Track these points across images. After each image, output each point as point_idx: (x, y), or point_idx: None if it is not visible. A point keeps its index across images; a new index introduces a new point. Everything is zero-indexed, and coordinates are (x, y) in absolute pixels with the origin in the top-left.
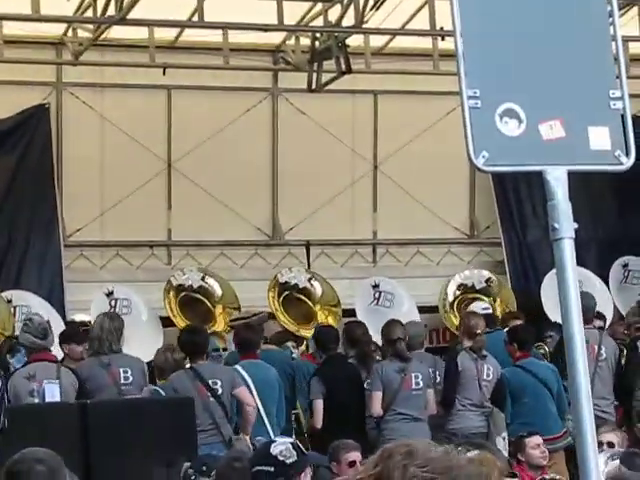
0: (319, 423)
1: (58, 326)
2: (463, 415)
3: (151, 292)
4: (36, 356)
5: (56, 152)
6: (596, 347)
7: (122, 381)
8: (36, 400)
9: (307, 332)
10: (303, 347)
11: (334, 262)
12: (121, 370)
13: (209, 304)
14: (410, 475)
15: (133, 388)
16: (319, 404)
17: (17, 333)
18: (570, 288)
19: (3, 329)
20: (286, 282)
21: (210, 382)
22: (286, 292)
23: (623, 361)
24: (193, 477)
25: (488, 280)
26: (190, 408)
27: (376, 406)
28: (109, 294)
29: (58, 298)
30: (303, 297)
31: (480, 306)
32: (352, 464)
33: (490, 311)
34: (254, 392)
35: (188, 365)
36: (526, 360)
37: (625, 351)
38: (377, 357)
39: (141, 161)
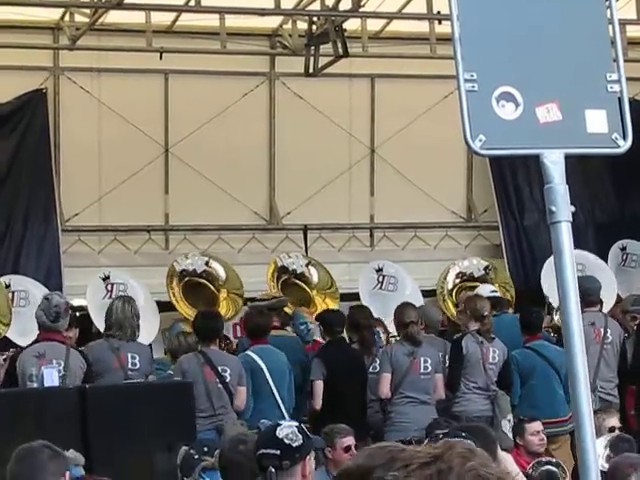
0: (318, 405)
1: None
2: (469, 398)
3: (149, 277)
4: (46, 335)
5: (53, 137)
6: (602, 330)
7: (129, 366)
8: (35, 385)
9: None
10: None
11: (332, 246)
12: (129, 355)
13: (213, 289)
14: (469, 467)
15: (139, 374)
16: (319, 385)
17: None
18: (567, 271)
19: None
20: (284, 267)
21: (220, 369)
22: (285, 276)
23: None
24: (196, 456)
25: (486, 268)
26: (189, 392)
27: (384, 388)
28: (105, 278)
29: (56, 283)
30: (300, 282)
31: (488, 289)
32: (347, 449)
33: (498, 294)
34: (268, 378)
35: (198, 349)
36: (536, 342)
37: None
38: (382, 340)
39: (138, 146)
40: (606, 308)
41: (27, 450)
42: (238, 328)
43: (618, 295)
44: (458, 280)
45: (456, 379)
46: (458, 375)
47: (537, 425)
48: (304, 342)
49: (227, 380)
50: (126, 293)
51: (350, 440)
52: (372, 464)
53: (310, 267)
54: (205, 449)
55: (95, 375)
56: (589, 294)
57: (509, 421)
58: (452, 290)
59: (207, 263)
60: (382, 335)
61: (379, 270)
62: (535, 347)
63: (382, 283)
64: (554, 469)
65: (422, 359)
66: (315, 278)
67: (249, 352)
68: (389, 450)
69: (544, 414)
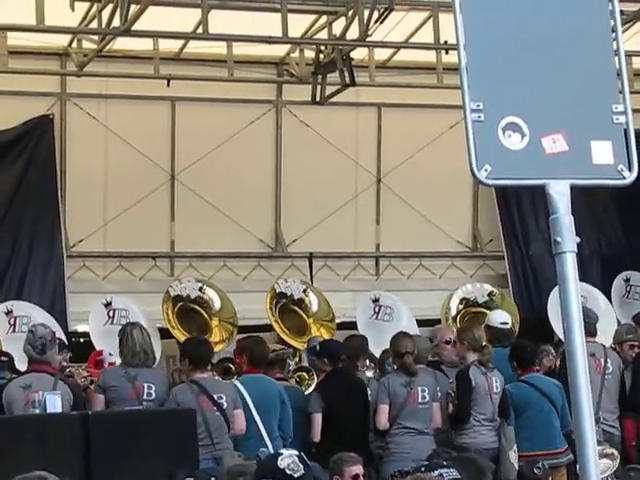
0: (317, 437)
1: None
2: (477, 430)
3: (153, 304)
4: (35, 366)
5: (59, 163)
6: (602, 360)
7: (145, 397)
8: (37, 410)
9: (299, 344)
10: (297, 359)
11: (337, 274)
12: (145, 385)
13: (206, 315)
14: None
15: (154, 405)
16: (317, 417)
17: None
18: (572, 302)
19: None
20: (282, 292)
21: (215, 397)
22: (283, 300)
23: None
24: None
25: (490, 294)
26: (192, 420)
27: (382, 419)
28: (107, 304)
29: (60, 309)
30: (297, 309)
31: (498, 320)
32: (355, 477)
33: (509, 326)
34: (252, 408)
35: (190, 379)
36: (530, 375)
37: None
38: (368, 371)
39: (144, 172)
40: (607, 342)
41: None
42: None
43: None
44: (462, 306)
45: (467, 411)
46: (469, 407)
47: None
48: (316, 369)
49: (224, 407)
50: (128, 319)
51: (358, 469)
52: None
53: (309, 294)
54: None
55: (107, 403)
56: (589, 324)
57: (515, 452)
58: (456, 316)
59: (201, 289)
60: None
61: (376, 300)
62: (529, 380)
63: (378, 313)
64: None
65: (419, 389)
66: (315, 306)
67: (236, 381)
68: None
69: (540, 446)
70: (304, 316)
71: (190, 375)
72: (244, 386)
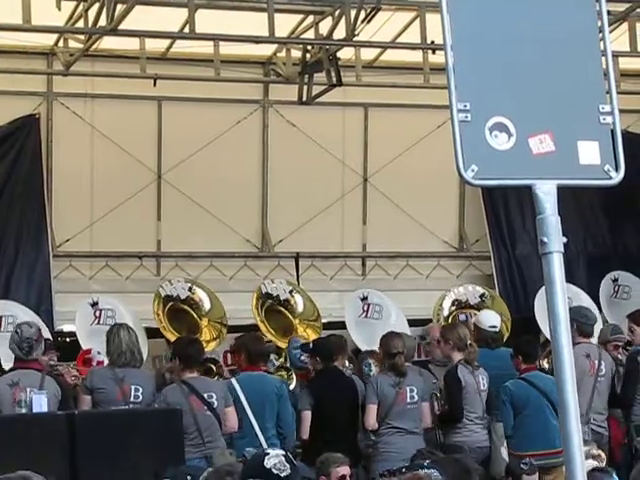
0: (305, 434)
1: (45, 337)
2: (471, 429)
3: (140, 303)
4: (22, 364)
5: (46, 162)
6: (596, 362)
7: (132, 399)
8: (23, 410)
9: (285, 344)
10: (282, 359)
11: (323, 274)
12: (133, 388)
13: (195, 316)
14: None
15: (141, 407)
16: (306, 415)
17: None
18: (559, 302)
19: None
20: (268, 293)
21: (205, 395)
22: (269, 301)
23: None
24: None
25: (482, 295)
26: (178, 419)
27: (370, 419)
28: (94, 304)
29: (47, 308)
30: (283, 309)
31: (487, 323)
32: (342, 478)
33: (497, 329)
34: (246, 407)
35: (180, 379)
36: (531, 373)
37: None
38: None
39: (131, 172)
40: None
41: None
42: (229, 356)
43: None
44: (454, 308)
45: (460, 409)
46: (461, 405)
47: None
48: (295, 368)
49: (215, 406)
50: (115, 319)
51: (345, 470)
52: None
53: (295, 294)
54: (188, 477)
55: (94, 404)
56: (585, 326)
57: (505, 448)
58: (448, 317)
59: (190, 289)
60: (374, 367)
61: (364, 299)
62: (529, 378)
63: (367, 311)
64: None
65: (408, 389)
66: (300, 307)
67: (232, 380)
68: None
69: (538, 445)
70: (290, 317)
71: (180, 375)
72: (240, 385)
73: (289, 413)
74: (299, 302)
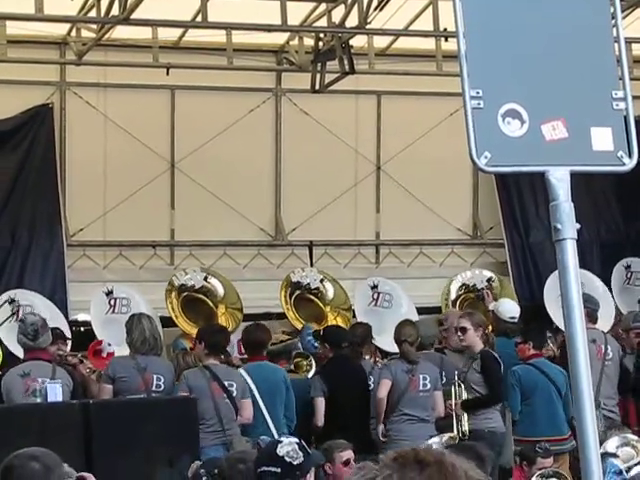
0: (320, 421)
1: (61, 326)
2: (496, 414)
3: (154, 292)
4: (31, 355)
5: (59, 152)
6: (603, 347)
7: (154, 388)
8: (38, 400)
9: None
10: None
11: (337, 263)
12: (155, 377)
13: (212, 304)
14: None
15: (162, 396)
16: (320, 402)
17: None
18: (572, 289)
19: None
20: (298, 282)
21: (226, 383)
22: (297, 292)
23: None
24: (205, 478)
25: (489, 280)
26: (193, 408)
27: (382, 390)
28: (108, 293)
29: (61, 298)
30: (314, 298)
31: (507, 314)
32: (347, 462)
33: (516, 321)
34: (257, 396)
35: (203, 364)
36: (538, 359)
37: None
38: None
39: (144, 161)
40: (606, 328)
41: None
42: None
43: (621, 313)
44: (461, 292)
45: (502, 392)
46: (502, 388)
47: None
48: (311, 353)
49: (234, 395)
50: (130, 307)
51: (349, 454)
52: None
53: (325, 282)
54: (215, 470)
55: (115, 393)
56: (594, 310)
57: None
58: (456, 301)
59: (206, 278)
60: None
61: (374, 287)
62: (537, 364)
63: (377, 300)
64: None
65: (421, 376)
66: (330, 294)
67: (242, 369)
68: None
69: (545, 432)
70: (320, 304)
71: (203, 360)
72: (249, 374)
73: (293, 400)
74: (330, 290)
